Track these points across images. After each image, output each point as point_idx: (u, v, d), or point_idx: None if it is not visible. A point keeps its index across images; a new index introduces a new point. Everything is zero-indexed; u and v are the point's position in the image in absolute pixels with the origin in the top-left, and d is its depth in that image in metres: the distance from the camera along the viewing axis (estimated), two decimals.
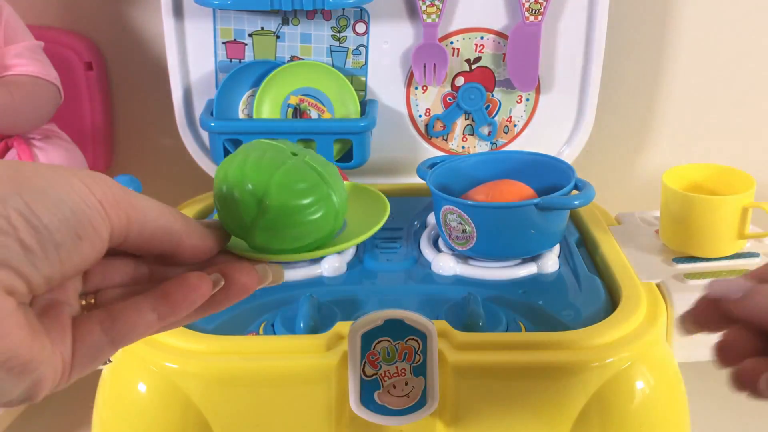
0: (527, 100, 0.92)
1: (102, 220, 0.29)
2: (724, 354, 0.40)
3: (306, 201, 0.35)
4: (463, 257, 0.71)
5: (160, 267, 0.35)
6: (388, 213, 0.40)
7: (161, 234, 0.32)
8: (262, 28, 0.88)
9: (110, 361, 0.42)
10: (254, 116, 0.87)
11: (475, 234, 0.66)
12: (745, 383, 0.37)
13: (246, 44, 0.89)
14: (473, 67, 0.90)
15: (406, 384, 0.54)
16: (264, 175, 0.35)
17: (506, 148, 0.94)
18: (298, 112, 0.88)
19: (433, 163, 0.76)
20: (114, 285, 0.33)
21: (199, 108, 0.92)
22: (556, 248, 0.73)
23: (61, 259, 0.28)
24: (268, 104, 0.87)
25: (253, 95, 0.88)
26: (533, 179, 0.72)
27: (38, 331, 0.28)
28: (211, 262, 0.35)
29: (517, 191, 0.69)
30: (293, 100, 0.87)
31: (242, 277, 0.34)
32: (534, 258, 0.70)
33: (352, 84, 0.89)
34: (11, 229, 0.26)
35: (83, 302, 0.32)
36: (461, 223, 0.67)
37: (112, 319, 0.30)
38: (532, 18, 0.86)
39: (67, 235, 0.28)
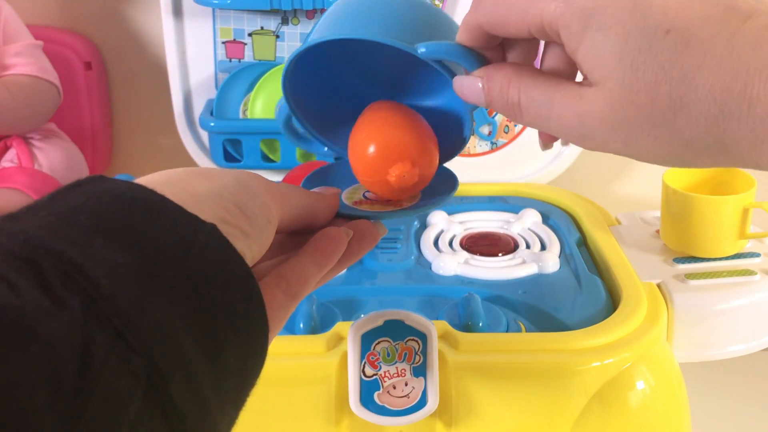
0: None
1: (274, 207, 0.33)
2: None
3: None
4: (463, 257, 0.71)
5: (290, 236, 0.39)
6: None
7: (302, 213, 0.37)
8: (262, 28, 0.88)
9: None
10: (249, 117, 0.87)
11: None
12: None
13: (246, 44, 0.89)
14: None
15: (406, 385, 0.54)
16: None
17: (506, 149, 0.94)
18: None
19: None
20: (261, 261, 0.36)
21: (198, 108, 0.91)
22: (557, 248, 0.72)
23: (261, 240, 0.31)
24: (260, 107, 0.87)
25: None
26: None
27: None
28: (333, 224, 0.39)
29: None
30: None
31: (366, 228, 0.40)
32: (534, 257, 0.70)
33: None
34: (232, 219, 0.30)
35: None
36: None
37: (286, 279, 0.34)
38: None
39: (264, 221, 0.32)
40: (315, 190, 0.41)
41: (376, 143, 0.42)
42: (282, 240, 0.38)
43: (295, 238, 0.38)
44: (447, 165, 0.46)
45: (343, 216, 0.41)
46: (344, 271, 0.69)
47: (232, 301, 0.27)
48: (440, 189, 0.45)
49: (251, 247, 0.30)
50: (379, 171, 0.41)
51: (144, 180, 0.30)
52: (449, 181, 0.45)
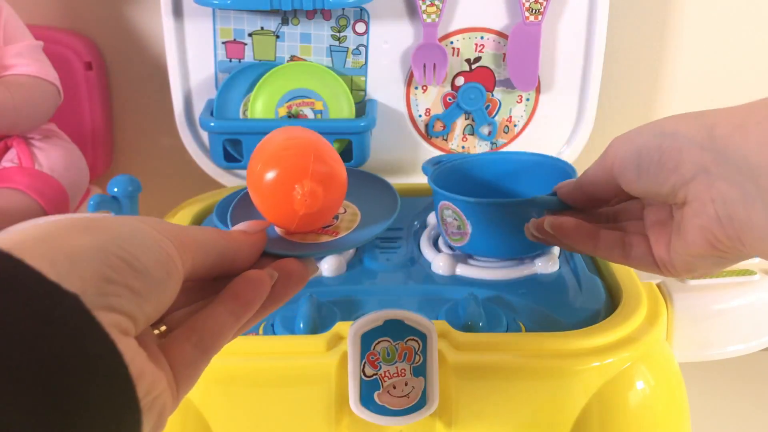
0: (527, 100, 0.92)
1: (178, 257, 0.30)
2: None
3: None
4: (463, 257, 0.71)
5: (210, 281, 0.35)
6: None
7: (218, 259, 0.33)
8: (262, 28, 0.88)
9: None
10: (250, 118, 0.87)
11: (470, 229, 0.66)
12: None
13: (246, 44, 0.89)
14: (473, 66, 0.90)
15: (406, 384, 0.54)
16: None
17: (507, 148, 0.94)
18: (292, 117, 0.88)
19: (438, 161, 0.76)
20: (175, 309, 0.33)
21: (198, 108, 0.92)
22: (556, 248, 0.72)
23: (158, 297, 0.28)
24: (260, 107, 0.87)
25: None
26: (536, 180, 0.72)
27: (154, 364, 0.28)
28: (258, 265, 0.36)
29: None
30: (283, 111, 0.87)
31: (293, 268, 0.36)
32: (533, 257, 0.70)
33: (351, 84, 0.89)
34: (119, 277, 0.26)
35: (156, 331, 0.32)
36: (456, 219, 0.67)
37: (198, 333, 0.31)
38: (532, 18, 0.86)
39: (161, 274, 0.29)
40: (239, 226, 0.37)
41: (271, 169, 0.39)
42: (201, 284, 0.35)
43: (216, 281, 0.35)
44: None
45: (269, 255, 0.37)
46: (344, 271, 0.70)
47: (95, 391, 0.23)
48: (381, 214, 0.44)
49: (143, 307, 0.27)
50: (282, 198, 0.38)
51: (11, 235, 0.26)
52: (391, 204, 0.45)
